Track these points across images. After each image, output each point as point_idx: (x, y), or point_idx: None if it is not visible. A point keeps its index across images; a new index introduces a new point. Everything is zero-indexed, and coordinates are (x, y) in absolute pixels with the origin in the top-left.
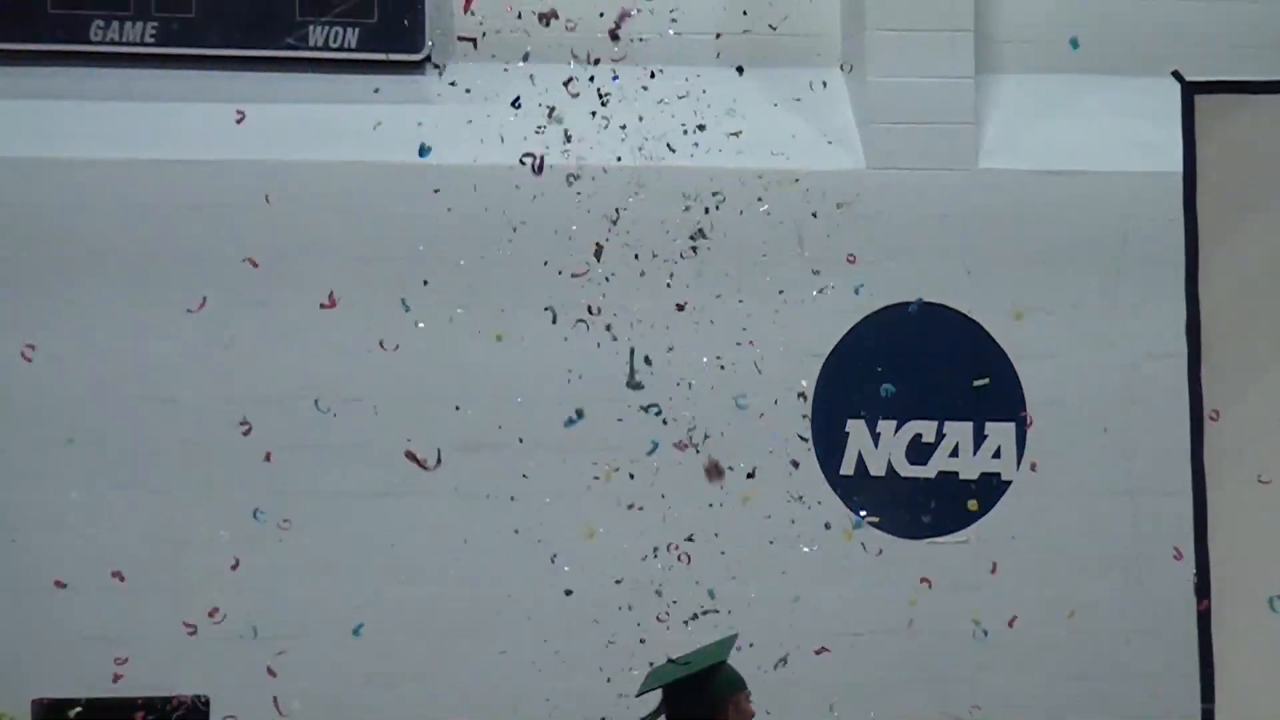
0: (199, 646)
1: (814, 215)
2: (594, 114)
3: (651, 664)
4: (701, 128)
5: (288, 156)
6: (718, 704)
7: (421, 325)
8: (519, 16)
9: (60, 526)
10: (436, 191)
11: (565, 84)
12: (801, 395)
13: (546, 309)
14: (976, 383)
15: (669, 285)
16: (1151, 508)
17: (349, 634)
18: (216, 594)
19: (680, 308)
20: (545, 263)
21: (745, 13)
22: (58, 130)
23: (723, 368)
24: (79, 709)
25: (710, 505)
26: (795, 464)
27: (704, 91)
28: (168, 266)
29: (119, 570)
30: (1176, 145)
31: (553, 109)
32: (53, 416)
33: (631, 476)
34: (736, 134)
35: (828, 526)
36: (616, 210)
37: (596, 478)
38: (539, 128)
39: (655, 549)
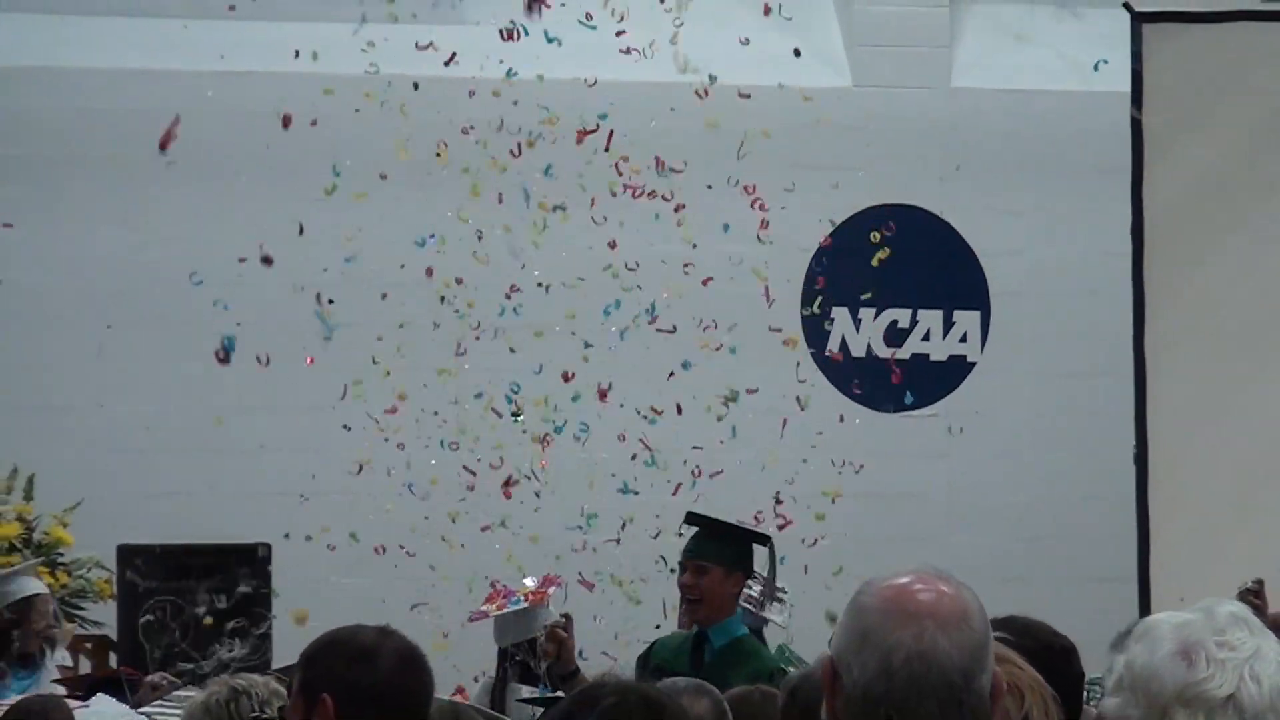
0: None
1: (804, 127)
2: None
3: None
4: (710, 50)
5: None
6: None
7: None
8: None
9: (138, 394)
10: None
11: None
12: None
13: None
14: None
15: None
16: (1100, 388)
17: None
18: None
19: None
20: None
21: None
22: (129, 44)
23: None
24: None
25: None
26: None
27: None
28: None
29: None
30: (1126, 68)
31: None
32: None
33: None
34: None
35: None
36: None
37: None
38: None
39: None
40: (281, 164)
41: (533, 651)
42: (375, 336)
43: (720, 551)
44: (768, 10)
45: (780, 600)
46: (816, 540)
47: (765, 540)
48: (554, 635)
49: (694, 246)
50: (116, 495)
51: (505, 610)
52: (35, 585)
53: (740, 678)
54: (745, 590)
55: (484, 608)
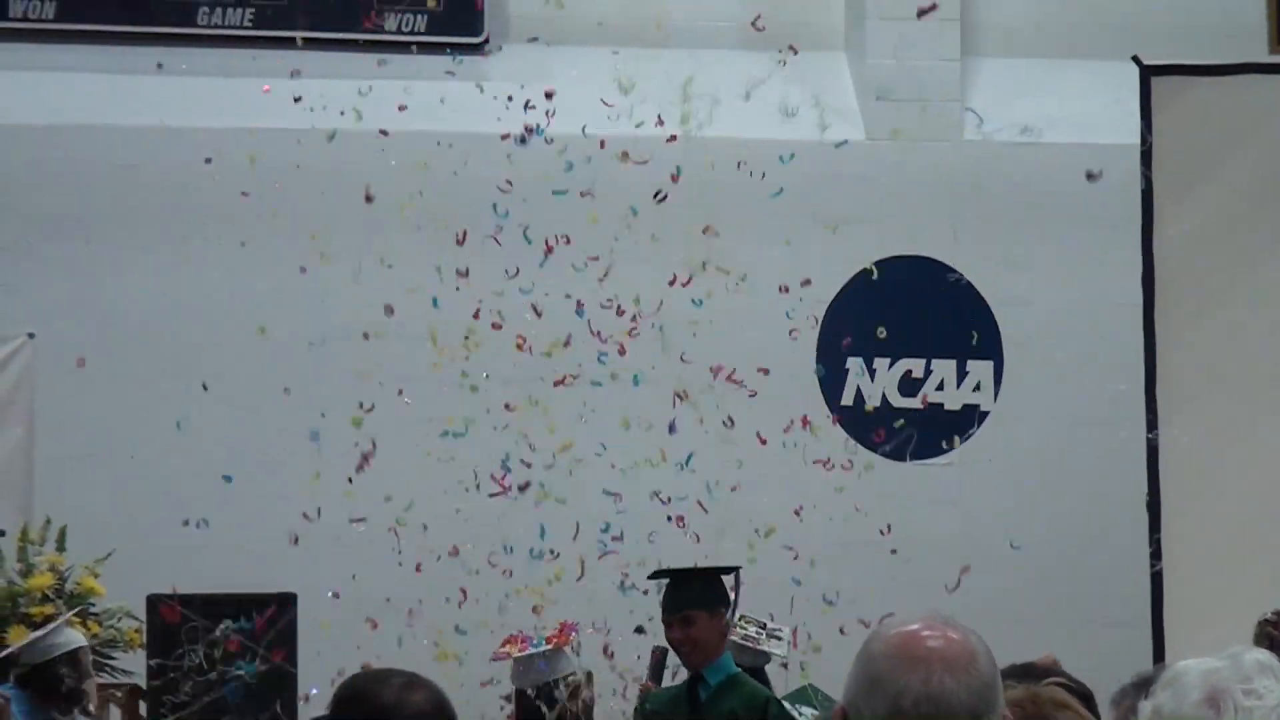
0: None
1: (818, 180)
2: (626, 93)
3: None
4: (727, 105)
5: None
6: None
7: None
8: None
9: (169, 444)
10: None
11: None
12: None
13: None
14: None
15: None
16: (1111, 435)
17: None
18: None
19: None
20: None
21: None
22: (164, 102)
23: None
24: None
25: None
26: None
27: (729, 72)
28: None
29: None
30: (1136, 120)
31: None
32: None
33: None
34: (747, 99)
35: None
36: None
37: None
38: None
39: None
40: (304, 219)
41: (550, 697)
42: (398, 390)
43: (698, 597)
44: (782, 63)
45: (777, 636)
46: (838, 595)
47: (733, 570)
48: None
49: (709, 296)
50: (148, 544)
51: (526, 652)
52: (79, 638)
53: (738, 703)
54: (741, 630)
55: (504, 649)
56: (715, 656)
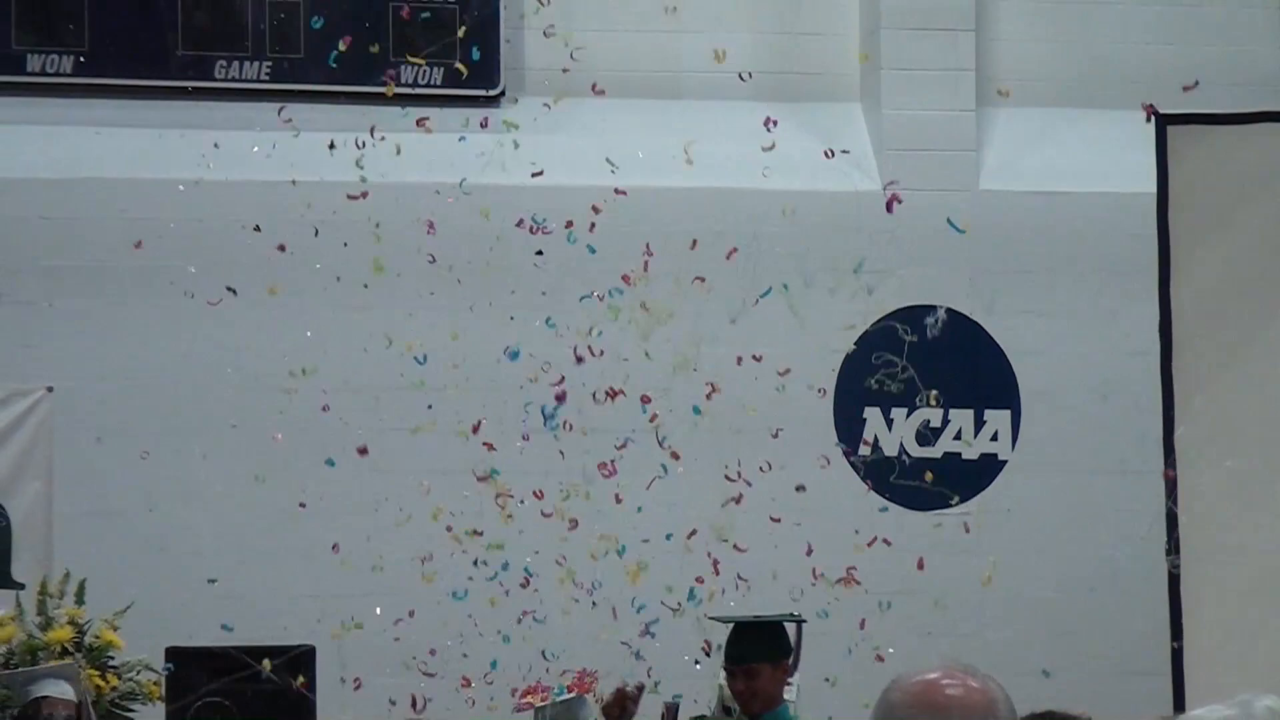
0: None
1: (835, 230)
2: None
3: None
4: (742, 156)
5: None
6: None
7: None
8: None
9: (188, 497)
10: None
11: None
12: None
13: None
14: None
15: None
16: (1130, 484)
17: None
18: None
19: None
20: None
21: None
22: (182, 157)
23: (757, 359)
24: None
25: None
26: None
27: (743, 124)
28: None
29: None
30: (1151, 170)
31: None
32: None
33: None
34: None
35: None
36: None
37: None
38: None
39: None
40: (328, 272)
41: None
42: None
43: (764, 649)
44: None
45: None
46: (855, 646)
47: (798, 619)
48: (619, 698)
49: (728, 350)
50: (166, 598)
51: (549, 701)
52: (50, 687)
53: None
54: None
55: (525, 700)
56: (775, 706)
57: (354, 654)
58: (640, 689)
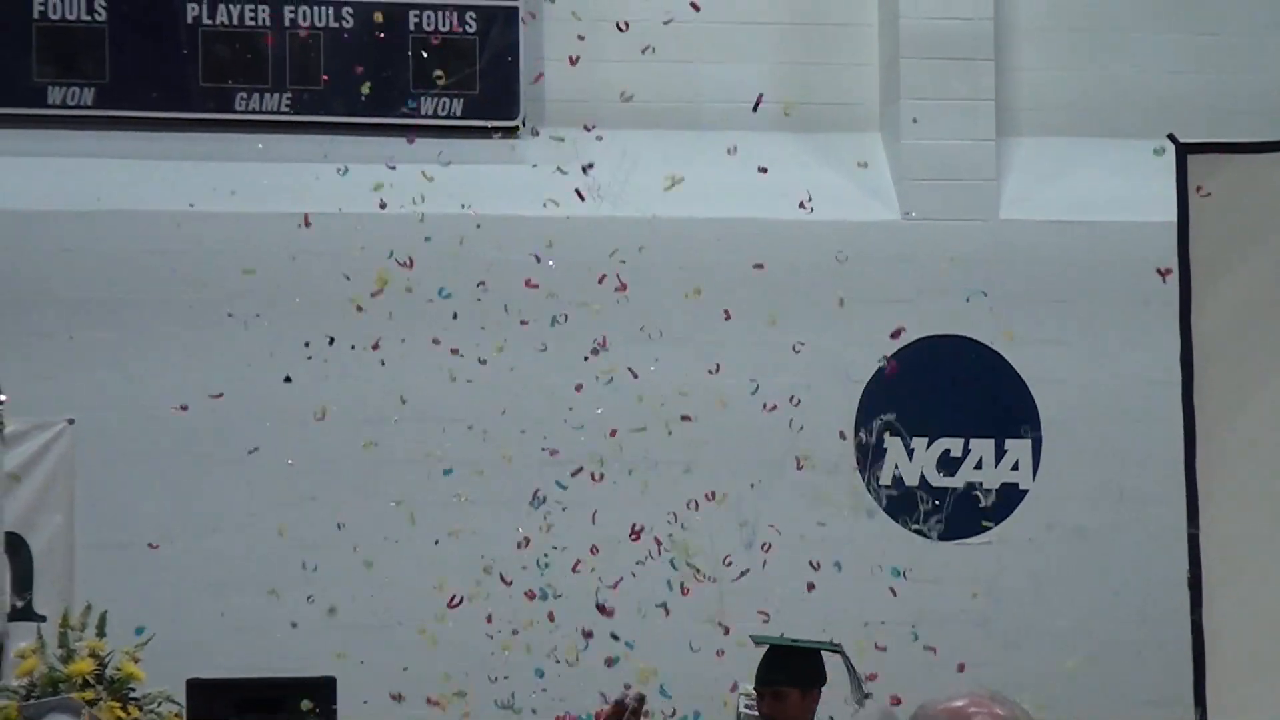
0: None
1: (855, 259)
2: (672, 181)
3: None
4: (763, 186)
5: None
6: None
7: None
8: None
9: (208, 529)
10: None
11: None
12: (843, 435)
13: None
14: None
15: (726, 318)
16: (1152, 513)
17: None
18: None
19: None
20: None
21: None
22: (205, 187)
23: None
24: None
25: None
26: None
27: (767, 154)
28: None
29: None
30: (1172, 199)
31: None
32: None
33: None
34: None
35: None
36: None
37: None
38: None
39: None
40: (346, 303)
41: None
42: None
43: (794, 673)
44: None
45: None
46: (878, 673)
47: (837, 648)
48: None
49: (750, 381)
50: (187, 630)
51: None
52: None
53: None
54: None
55: None
56: None
57: (375, 685)
58: (641, 700)
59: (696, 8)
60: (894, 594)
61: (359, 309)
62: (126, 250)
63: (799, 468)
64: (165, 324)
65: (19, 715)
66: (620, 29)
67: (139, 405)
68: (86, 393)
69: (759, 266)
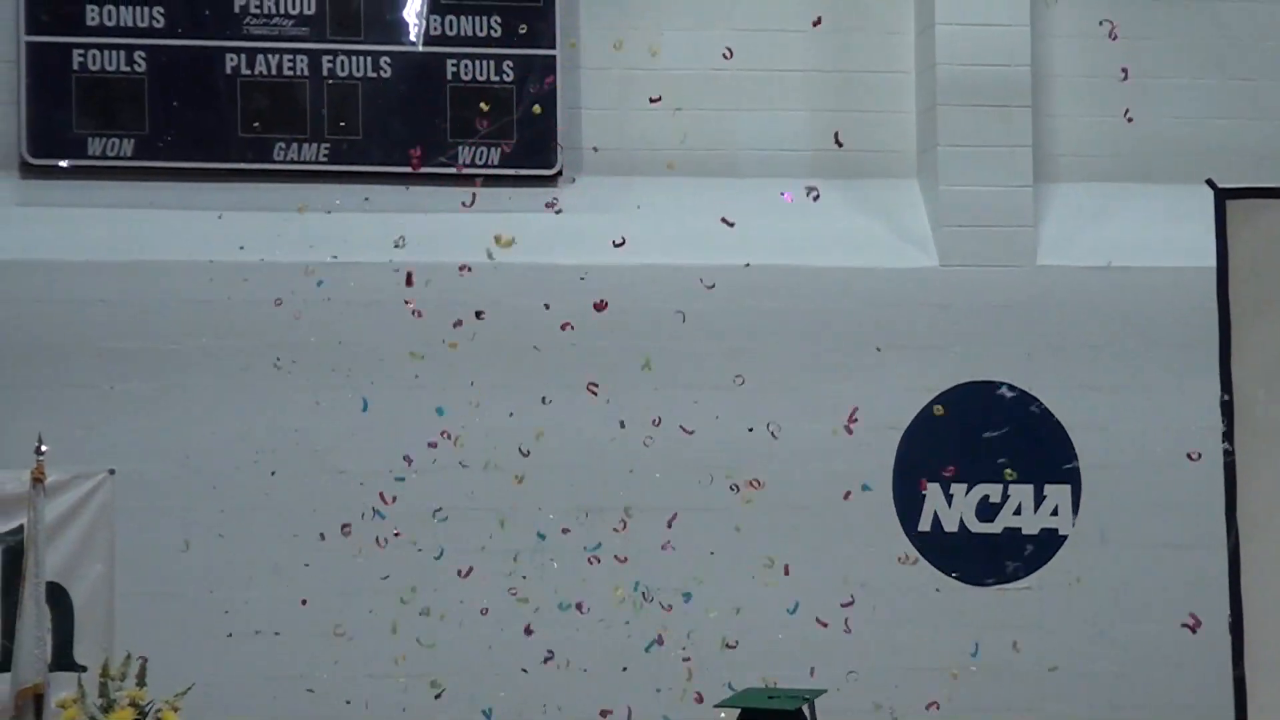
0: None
1: (895, 306)
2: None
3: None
4: (797, 233)
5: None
6: None
7: None
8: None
9: (249, 579)
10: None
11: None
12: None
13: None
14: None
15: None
16: (1192, 559)
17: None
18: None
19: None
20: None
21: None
22: (244, 237)
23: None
24: None
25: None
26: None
27: (805, 203)
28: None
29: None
30: (1211, 244)
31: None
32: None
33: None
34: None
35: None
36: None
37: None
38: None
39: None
40: (382, 353)
41: None
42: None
43: None
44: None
45: None
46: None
47: (809, 700)
48: None
49: (779, 429)
50: (227, 679)
51: None
52: None
53: None
54: None
55: None
56: None
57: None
58: None
59: (729, 55)
60: (935, 636)
61: (381, 360)
62: (166, 300)
63: (836, 513)
64: (206, 374)
65: None
66: (658, 74)
67: (179, 455)
68: (127, 443)
69: (791, 320)
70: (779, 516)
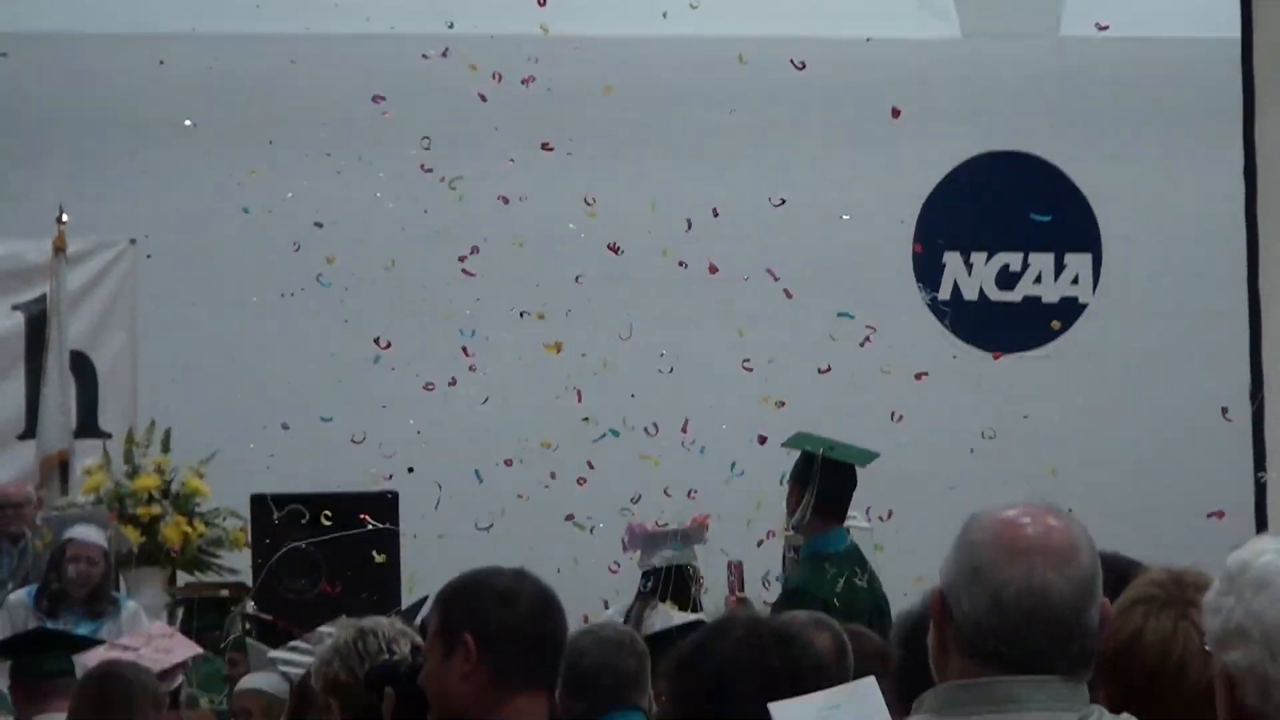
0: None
1: (915, 77)
2: None
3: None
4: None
5: None
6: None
7: None
8: None
9: (271, 347)
10: None
11: None
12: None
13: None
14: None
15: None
16: (1212, 327)
17: None
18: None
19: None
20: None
21: None
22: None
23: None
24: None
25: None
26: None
27: None
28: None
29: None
30: (1236, 13)
31: None
32: None
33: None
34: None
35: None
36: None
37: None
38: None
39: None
40: (412, 123)
41: (680, 581)
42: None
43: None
44: None
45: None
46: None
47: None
48: None
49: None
50: (249, 447)
51: (666, 528)
52: (79, 531)
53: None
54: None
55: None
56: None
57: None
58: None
59: None
60: (951, 405)
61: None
62: (191, 72)
63: (855, 283)
64: (226, 143)
65: (48, 529)
66: None
67: (201, 225)
68: (148, 212)
69: (812, 90)
70: (807, 281)
